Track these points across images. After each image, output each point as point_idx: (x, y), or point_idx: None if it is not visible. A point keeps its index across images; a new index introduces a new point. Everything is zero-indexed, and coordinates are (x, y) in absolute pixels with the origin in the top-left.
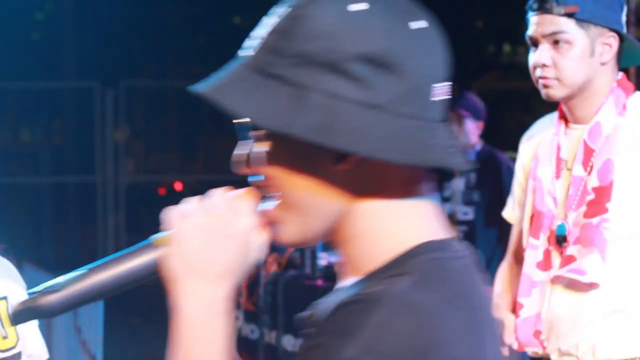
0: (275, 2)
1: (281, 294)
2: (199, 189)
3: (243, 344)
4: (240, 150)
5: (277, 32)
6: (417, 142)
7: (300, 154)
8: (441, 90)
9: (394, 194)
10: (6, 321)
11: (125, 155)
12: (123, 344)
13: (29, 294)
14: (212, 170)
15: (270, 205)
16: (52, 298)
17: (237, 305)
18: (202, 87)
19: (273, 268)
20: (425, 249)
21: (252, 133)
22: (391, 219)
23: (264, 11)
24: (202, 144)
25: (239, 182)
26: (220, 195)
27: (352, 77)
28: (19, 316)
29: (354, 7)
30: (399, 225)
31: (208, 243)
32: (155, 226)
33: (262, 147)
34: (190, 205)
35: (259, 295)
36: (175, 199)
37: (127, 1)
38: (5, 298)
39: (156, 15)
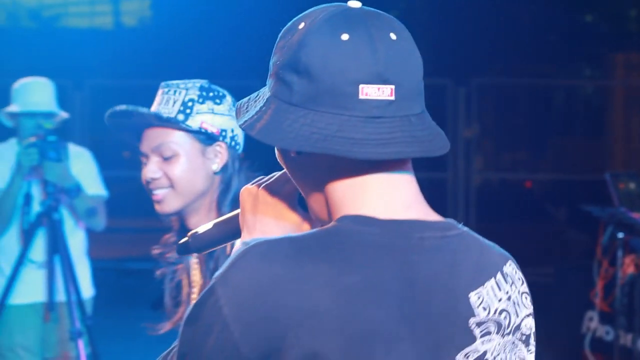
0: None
1: (638, 295)
2: (548, 187)
3: (598, 345)
4: None
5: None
6: (320, 132)
7: (280, 150)
8: (374, 91)
9: (351, 175)
10: None
11: (475, 153)
12: None
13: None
14: (562, 169)
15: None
16: (193, 240)
17: (593, 306)
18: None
19: (630, 269)
20: (342, 220)
21: None
22: (341, 195)
23: (613, 9)
24: (552, 143)
25: (585, 182)
26: (275, 175)
27: (284, 82)
28: (178, 250)
29: (300, 26)
30: (345, 200)
31: (253, 206)
32: (505, 224)
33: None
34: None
35: (615, 297)
36: (524, 197)
37: (481, 1)
38: None
39: (507, 12)
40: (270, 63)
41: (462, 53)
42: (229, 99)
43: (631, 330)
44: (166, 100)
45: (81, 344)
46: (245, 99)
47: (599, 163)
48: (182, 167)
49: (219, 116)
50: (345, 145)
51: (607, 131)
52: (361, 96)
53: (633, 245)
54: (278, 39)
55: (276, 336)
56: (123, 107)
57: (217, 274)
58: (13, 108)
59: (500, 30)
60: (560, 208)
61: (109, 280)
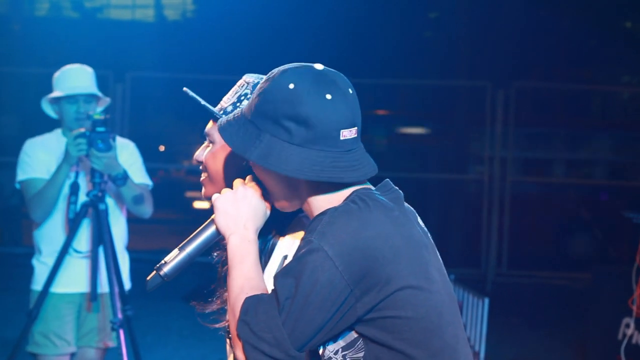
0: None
1: None
2: (584, 192)
3: (633, 352)
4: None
5: (255, 95)
6: (319, 165)
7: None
8: (349, 133)
9: (333, 187)
10: None
11: (512, 155)
12: (503, 343)
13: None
14: (595, 174)
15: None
16: (164, 269)
17: (630, 313)
18: (220, 122)
19: None
20: (357, 192)
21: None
22: (325, 200)
23: None
24: (588, 148)
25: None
26: (239, 181)
27: (283, 127)
28: (149, 284)
29: (291, 86)
30: (331, 202)
31: (232, 205)
32: (539, 226)
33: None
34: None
35: None
36: (559, 201)
37: (522, 5)
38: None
39: (549, 17)
40: (259, 106)
41: (503, 56)
42: None
43: None
44: (234, 93)
45: (122, 334)
46: (224, 118)
47: (633, 170)
48: (213, 155)
49: None
50: (336, 172)
51: None
52: (342, 138)
53: None
54: (264, 90)
55: (369, 259)
56: (195, 97)
57: (313, 236)
58: (55, 94)
59: (541, 34)
60: (595, 212)
61: (145, 272)
